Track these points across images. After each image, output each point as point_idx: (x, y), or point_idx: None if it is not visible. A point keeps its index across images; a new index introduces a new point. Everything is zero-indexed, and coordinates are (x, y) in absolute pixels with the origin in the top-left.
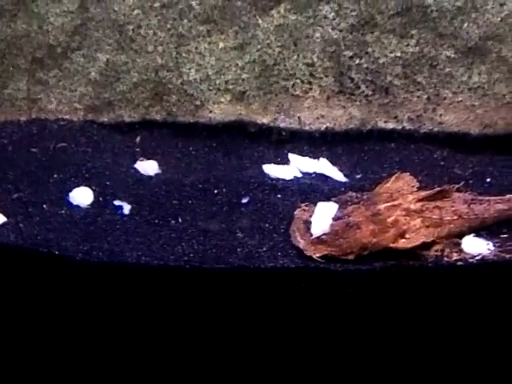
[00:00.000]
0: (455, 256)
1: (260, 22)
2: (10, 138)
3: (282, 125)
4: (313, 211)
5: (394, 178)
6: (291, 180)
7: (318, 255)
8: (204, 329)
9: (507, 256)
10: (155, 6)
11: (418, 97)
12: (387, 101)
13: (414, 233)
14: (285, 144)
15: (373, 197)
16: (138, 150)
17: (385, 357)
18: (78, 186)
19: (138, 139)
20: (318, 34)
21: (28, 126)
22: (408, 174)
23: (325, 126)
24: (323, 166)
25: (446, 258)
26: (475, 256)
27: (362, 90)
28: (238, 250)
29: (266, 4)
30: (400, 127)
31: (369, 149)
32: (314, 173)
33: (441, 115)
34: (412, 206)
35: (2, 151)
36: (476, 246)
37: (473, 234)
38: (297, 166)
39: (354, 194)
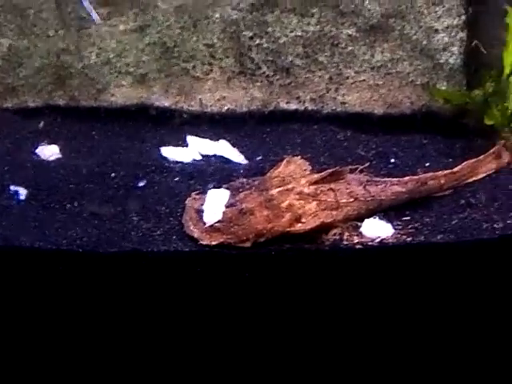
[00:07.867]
0: (355, 239)
1: (159, 3)
2: None
3: (184, 107)
4: (204, 199)
5: (285, 162)
6: (189, 163)
7: (213, 243)
8: (98, 312)
9: (407, 239)
10: None
11: (320, 76)
12: (289, 81)
13: (311, 216)
14: (185, 127)
15: (264, 182)
16: (41, 135)
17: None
18: None
19: (41, 124)
20: (217, 15)
21: None
22: (299, 157)
23: (226, 108)
24: (223, 148)
25: (345, 242)
26: (374, 239)
27: (263, 70)
28: (132, 233)
29: None
30: (302, 108)
31: (271, 130)
32: (214, 155)
33: (344, 95)
34: (306, 190)
35: None
36: (375, 229)
37: (373, 217)
38: (196, 148)
39: (244, 180)
